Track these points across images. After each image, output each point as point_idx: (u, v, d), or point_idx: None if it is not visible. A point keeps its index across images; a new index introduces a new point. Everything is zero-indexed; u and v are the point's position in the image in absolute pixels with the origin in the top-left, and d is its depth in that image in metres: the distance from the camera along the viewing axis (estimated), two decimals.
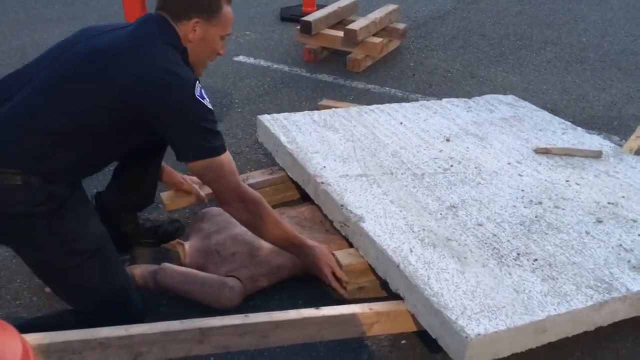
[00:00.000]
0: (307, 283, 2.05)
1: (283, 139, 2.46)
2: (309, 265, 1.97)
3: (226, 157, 1.75)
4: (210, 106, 1.71)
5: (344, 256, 1.96)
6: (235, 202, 1.80)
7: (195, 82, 1.69)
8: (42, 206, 1.63)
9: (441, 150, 2.48)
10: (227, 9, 1.80)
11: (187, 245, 2.06)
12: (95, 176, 2.51)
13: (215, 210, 2.20)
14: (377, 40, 4.07)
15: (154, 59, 1.65)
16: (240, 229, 2.07)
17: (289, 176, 2.45)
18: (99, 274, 1.72)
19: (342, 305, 1.71)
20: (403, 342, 1.85)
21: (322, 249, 1.97)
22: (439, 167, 2.34)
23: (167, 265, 1.96)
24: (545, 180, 2.29)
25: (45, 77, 1.67)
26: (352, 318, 1.66)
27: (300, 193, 2.49)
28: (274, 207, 2.38)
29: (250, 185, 2.40)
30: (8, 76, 1.75)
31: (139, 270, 1.98)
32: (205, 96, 1.71)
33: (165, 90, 1.63)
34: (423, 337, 1.84)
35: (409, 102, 3.26)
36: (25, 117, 1.63)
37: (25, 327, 1.54)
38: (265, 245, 2.02)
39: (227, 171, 1.75)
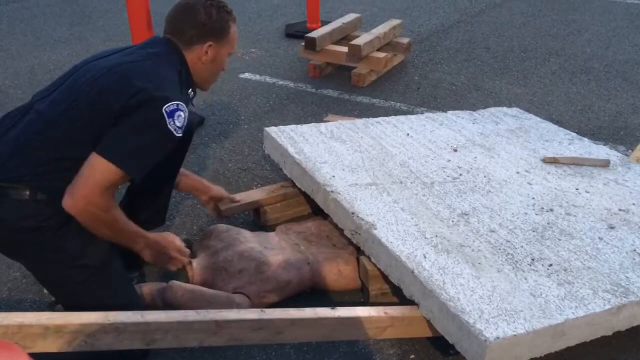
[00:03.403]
0: (317, 297, 2.05)
1: (291, 149, 2.46)
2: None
3: (117, 173, 1.61)
4: (172, 129, 1.65)
5: (369, 261, 1.97)
6: (77, 206, 1.61)
7: (174, 100, 1.65)
8: (48, 221, 1.64)
9: (449, 160, 2.48)
10: (234, 29, 1.89)
11: (195, 262, 2.05)
12: None
13: (222, 227, 2.20)
14: (381, 55, 4.09)
15: (142, 71, 1.68)
16: (247, 246, 2.06)
17: (298, 189, 2.44)
18: (104, 290, 1.72)
19: (357, 307, 1.71)
20: (412, 357, 1.83)
21: (156, 240, 1.87)
22: (448, 176, 2.33)
23: (174, 282, 1.95)
24: (555, 189, 2.29)
25: (53, 98, 1.72)
26: (365, 320, 1.66)
27: (311, 206, 2.49)
28: (284, 222, 2.41)
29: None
30: (22, 104, 1.79)
31: (147, 288, 1.97)
32: (177, 120, 1.66)
33: (138, 98, 1.62)
34: (432, 353, 1.84)
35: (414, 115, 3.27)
36: (33, 134, 1.66)
37: None
38: (273, 261, 2.01)
39: (98, 179, 1.60)
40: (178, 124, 1.67)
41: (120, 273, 1.79)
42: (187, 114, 1.71)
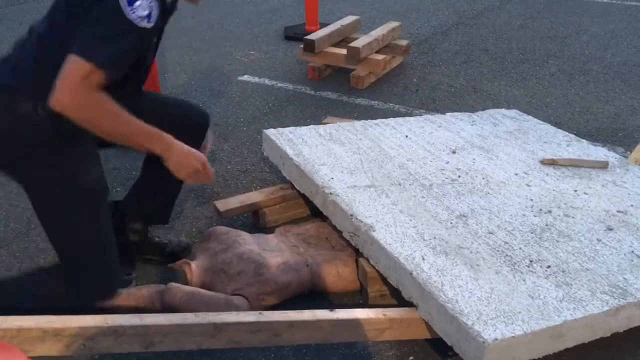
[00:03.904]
0: (316, 299, 2.06)
1: (290, 151, 2.47)
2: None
3: (86, 66, 1.57)
4: (132, 18, 1.59)
5: (368, 263, 1.97)
6: (60, 102, 1.59)
7: None
8: (48, 137, 1.67)
9: (448, 162, 2.48)
10: None
11: (194, 264, 2.05)
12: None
13: (222, 229, 2.21)
14: (380, 57, 4.10)
15: None
16: (246, 248, 2.06)
17: (297, 191, 2.45)
18: (88, 221, 1.75)
19: (355, 309, 1.71)
20: (411, 358, 1.84)
21: (182, 152, 1.80)
22: (447, 178, 2.34)
23: (173, 284, 1.95)
24: (554, 190, 2.29)
25: (44, 17, 1.74)
26: (364, 322, 1.66)
27: (310, 208, 2.49)
28: (283, 224, 2.41)
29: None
30: (23, 36, 1.81)
31: (146, 291, 1.97)
32: (139, 9, 1.59)
33: None
34: (431, 354, 1.84)
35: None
36: (31, 52, 1.69)
37: None
38: (272, 263, 2.01)
39: (73, 74, 1.57)
40: (140, 13, 1.61)
41: (107, 213, 1.81)
42: (156, 5, 1.64)
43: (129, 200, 2.21)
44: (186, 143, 2.07)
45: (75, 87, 1.58)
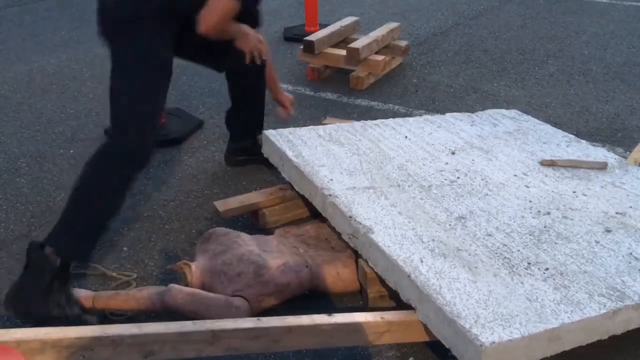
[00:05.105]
0: (316, 300, 2.06)
1: (289, 153, 2.47)
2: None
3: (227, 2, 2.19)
4: None
5: (367, 264, 1.98)
6: (208, 34, 2.25)
7: None
8: (141, 14, 2.11)
9: (447, 163, 2.49)
10: None
11: (194, 265, 2.06)
12: None
13: (221, 230, 2.21)
14: (380, 57, 4.10)
15: None
16: (246, 249, 2.07)
17: (297, 192, 2.45)
18: (148, 86, 2.11)
19: (354, 313, 1.71)
20: (411, 359, 1.84)
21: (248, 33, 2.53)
22: (446, 179, 2.34)
23: (173, 286, 1.96)
24: (552, 192, 2.29)
25: None
26: (363, 326, 1.66)
27: (310, 209, 2.50)
28: (282, 225, 2.42)
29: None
30: None
31: (146, 292, 1.98)
32: None
33: None
34: (430, 355, 1.85)
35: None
36: None
37: None
38: (272, 264, 2.02)
39: (217, 9, 2.18)
40: None
41: (163, 91, 2.21)
42: None
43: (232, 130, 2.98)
44: None
45: (219, 22, 2.23)
